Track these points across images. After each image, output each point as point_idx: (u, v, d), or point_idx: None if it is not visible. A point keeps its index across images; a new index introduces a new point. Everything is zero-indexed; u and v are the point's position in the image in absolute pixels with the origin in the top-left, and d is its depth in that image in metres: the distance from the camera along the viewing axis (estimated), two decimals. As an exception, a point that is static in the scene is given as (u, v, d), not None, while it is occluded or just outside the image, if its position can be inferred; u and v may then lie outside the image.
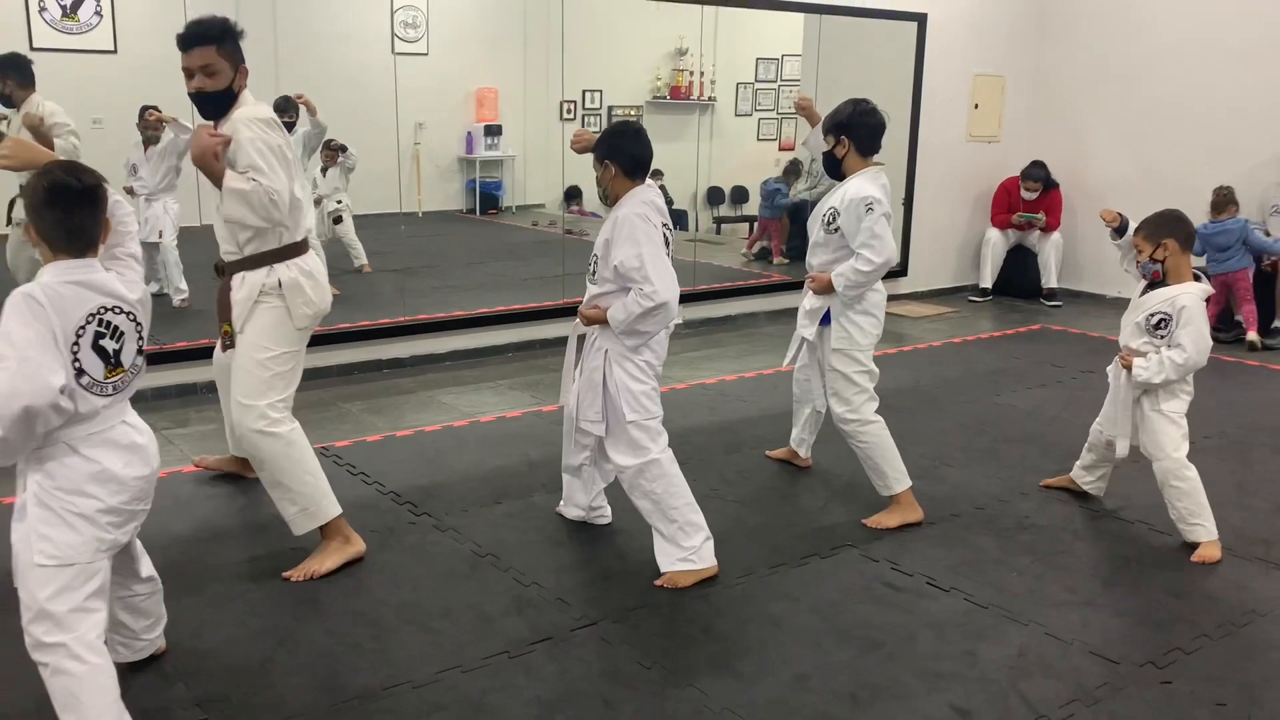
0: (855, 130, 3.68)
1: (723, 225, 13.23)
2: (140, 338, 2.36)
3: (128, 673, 2.60)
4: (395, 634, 2.92)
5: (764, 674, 2.77)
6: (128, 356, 2.31)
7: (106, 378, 2.26)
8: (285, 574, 3.22)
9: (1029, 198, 8.07)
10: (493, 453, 4.41)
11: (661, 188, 12.90)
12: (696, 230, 12.48)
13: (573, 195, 11.96)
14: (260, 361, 3.18)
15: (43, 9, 7.03)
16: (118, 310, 2.28)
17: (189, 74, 3.15)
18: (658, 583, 3.22)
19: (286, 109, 6.64)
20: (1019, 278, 8.22)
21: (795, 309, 4.03)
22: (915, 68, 7.76)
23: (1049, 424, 4.97)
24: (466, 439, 4.63)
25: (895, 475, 3.73)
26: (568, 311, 6.54)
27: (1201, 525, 3.52)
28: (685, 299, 3.36)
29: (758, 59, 13.45)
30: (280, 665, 2.75)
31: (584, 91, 12.20)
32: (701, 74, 12.78)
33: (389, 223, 8.49)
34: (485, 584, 3.20)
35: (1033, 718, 2.58)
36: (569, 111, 12.04)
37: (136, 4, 7.05)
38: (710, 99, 12.93)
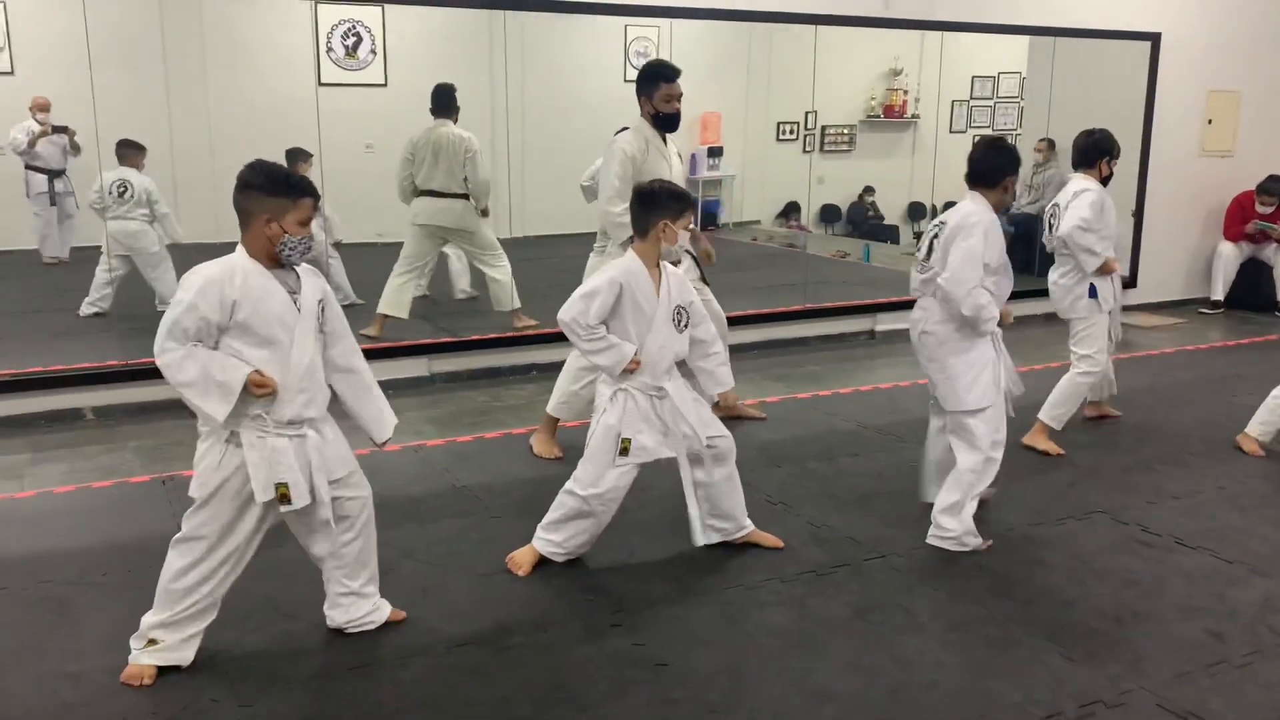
0: None
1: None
2: None
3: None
4: (719, 552, 3.60)
5: (1035, 599, 3.30)
6: None
7: None
8: None
9: (1264, 211, 8.13)
10: (763, 429, 5.06)
11: (872, 203, 13.22)
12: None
13: (790, 211, 12.59)
14: None
15: (329, 49, 8.24)
16: None
17: (677, 98, 4.49)
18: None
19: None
20: (1253, 291, 8.27)
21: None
22: (1148, 86, 7.98)
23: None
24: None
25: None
26: (805, 315, 7.18)
27: None
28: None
29: (973, 77, 13.71)
30: (640, 567, 3.48)
31: (805, 113, 12.83)
32: (912, 93, 13.16)
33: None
34: (783, 524, 3.82)
35: (1278, 642, 3.01)
36: (788, 132, 12.69)
37: (404, 43, 8.14)
38: (914, 116, 13.30)
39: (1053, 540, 3.76)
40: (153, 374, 3.00)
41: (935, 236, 3.69)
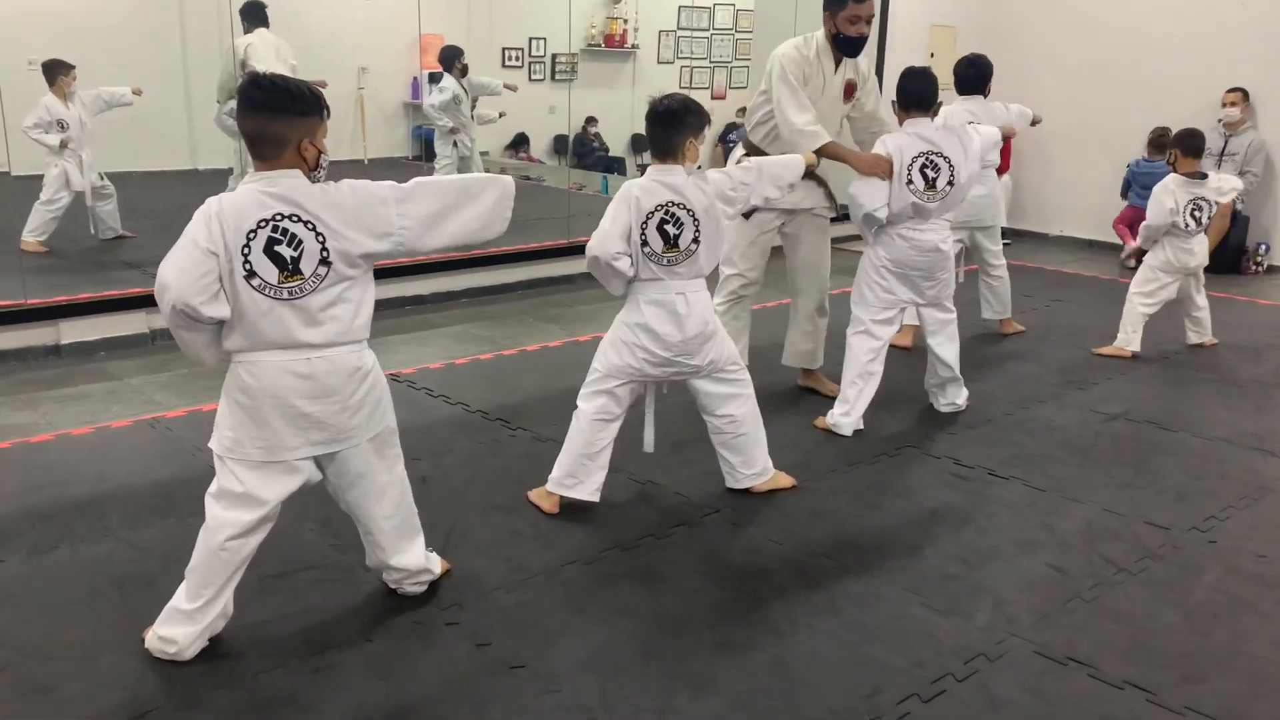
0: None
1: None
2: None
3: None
4: (549, 524, 3.24)
5: (883, 547, 3.18)
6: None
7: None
8: None
9: (982, 143, 8.61)
10: (554, 377, 4.69)
11: (595, 134, 12.90)
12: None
13: (520, 142, 12.11)
14: None
15: None
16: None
17: (865, 20, 4.01)
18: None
19: None
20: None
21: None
22: (881, 19, 8.18)
23: (1040, 343, 5.51)
24: (524, 366, 4.93)
25: None
26: (567, 251, 6.83)
27: None
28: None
29: (680, 7, 13.73)
30: (459, 552, 3.03)
31: (530, 39, 12.31)
32: (631, 22, 12.99)
33: (336, 170, 8.63)
34: (608, 483, 3.48)
35: (1115, 571, 3.05)
36: (513, 59, 12.15)
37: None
38: (634, 46, 13.17)
39: (875, 479, 3.69)
40: None
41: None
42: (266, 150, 2.36)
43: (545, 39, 12.37)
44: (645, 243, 3.11)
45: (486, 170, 9.25)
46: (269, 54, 6.81)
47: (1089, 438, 4.15)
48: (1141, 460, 3.93)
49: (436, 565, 2.84)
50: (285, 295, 2.34)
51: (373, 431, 2.55)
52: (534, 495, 3.38)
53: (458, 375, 4.79)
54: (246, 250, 2.30)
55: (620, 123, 13.00)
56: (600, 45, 12.94)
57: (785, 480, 3.54)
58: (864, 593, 2.90)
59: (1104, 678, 2.51)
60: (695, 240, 3.15)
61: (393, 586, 2.79)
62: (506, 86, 8.66)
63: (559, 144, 12.55)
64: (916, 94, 4.02)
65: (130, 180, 7.12)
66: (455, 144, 8.16)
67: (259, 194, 2.33)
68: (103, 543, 3.07)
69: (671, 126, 3.15)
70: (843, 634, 2.68)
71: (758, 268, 4.37)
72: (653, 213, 3.10)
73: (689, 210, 3.13)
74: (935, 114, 4.11)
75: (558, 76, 12.40)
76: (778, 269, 4.54)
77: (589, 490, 3.33)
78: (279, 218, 2.32)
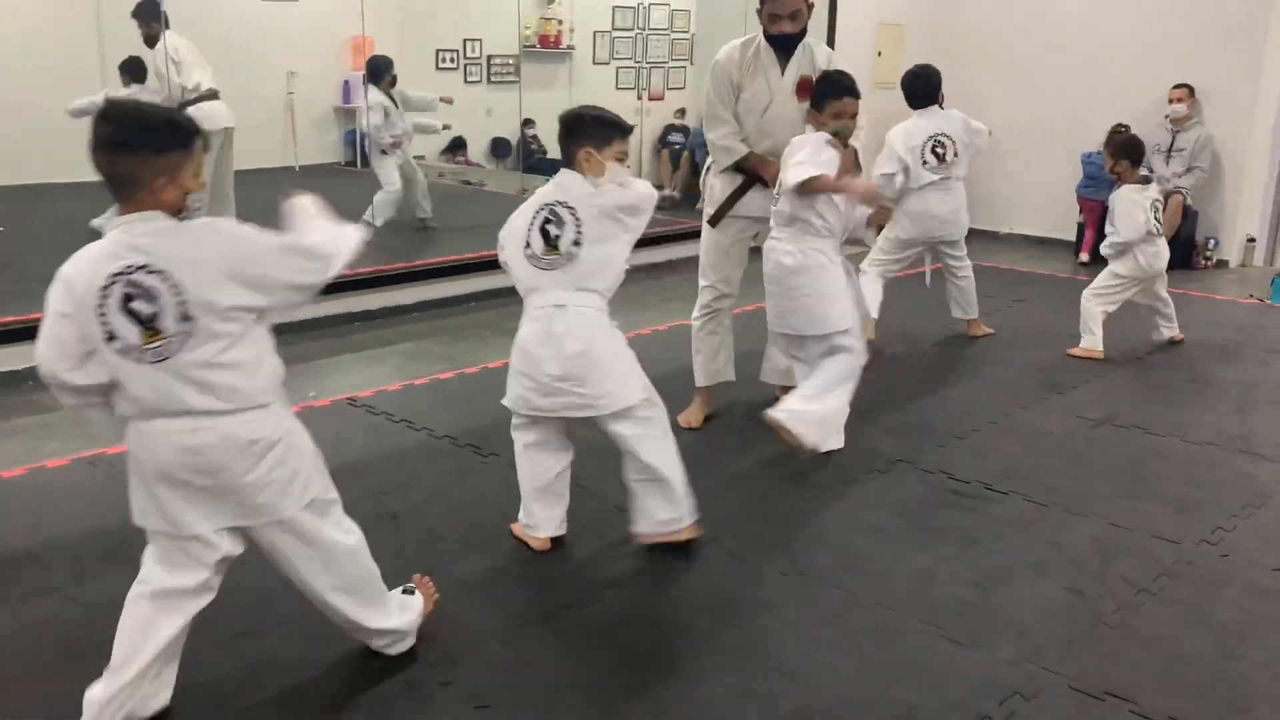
0: None
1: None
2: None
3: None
4: (535, 562, 3.02)
5: (889, 570, 3.02)
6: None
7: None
8: None
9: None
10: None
11: (533, 136, 12.60)
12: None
13: (457, 146, 11.80)
14: None
15: None
16: None
17: (785, 17, 3.82)
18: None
19: None
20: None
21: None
22: (829, 17, 8.07)
23: (1010, 346, 5.42)
24: (488, 384, 4.67)
25: None
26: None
27: None
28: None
29: (615, 7, 13.55)
30: (442, 598, 2.77)
31: (465, 40, 12.01)
32: (567, 24, 12.78)
33: (267, 177, 8.28)
34: (587, 510, 3.22)
35: (1134, 592, 2.93)
36: (448, 60, 11.84)
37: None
38: (570, 47, 12.96)
39: (871, 497, 3.53)
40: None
41: None
42: (119, 191, 2.06)
43: (480, 40, 12.09)
44: (528, 244, 2.93)
45: (424, 175, 8.92)
46: (196, 60, 6.41)
47: (1079, 445, 4.04)
48: (1136, 468, 3.83)
49: (415, 615, 2.55)
50: (150, 358, 2.03)
51: (289, 510, 2.21)
52: (518, 529, 3.16)
53: (418, 397, 4.54)
54: (101, 310, 2.01)
55: (558, 125, 12.77)
56: (535, 46, 12.69)
57: (693, 532, 3.09)
58: (879, 626, 2.73)
59: (1147, 713, 2.37)
60: (576, 243, 2.90)
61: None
62: (442, 100, 8.31)
63: (497, 147, 12.28)
64: None
65: (52, 192, 6.72)
66: (400, 168, 7.80)
67: (113, 243, 2.04)
68: (46, 601, 2.78)
69: (567, 137, 2.99)
70: (866, 675, 2.51)
71: (730, 279, 4.19)
72: (538, 212, 2.93)
73: (570, 209, 2.91)
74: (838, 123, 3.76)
75: (493, 78, 12.13)
76: (754, 271, 4.35)
77: (553, 528, 3.10)
78: (131, 269, 2.01)
